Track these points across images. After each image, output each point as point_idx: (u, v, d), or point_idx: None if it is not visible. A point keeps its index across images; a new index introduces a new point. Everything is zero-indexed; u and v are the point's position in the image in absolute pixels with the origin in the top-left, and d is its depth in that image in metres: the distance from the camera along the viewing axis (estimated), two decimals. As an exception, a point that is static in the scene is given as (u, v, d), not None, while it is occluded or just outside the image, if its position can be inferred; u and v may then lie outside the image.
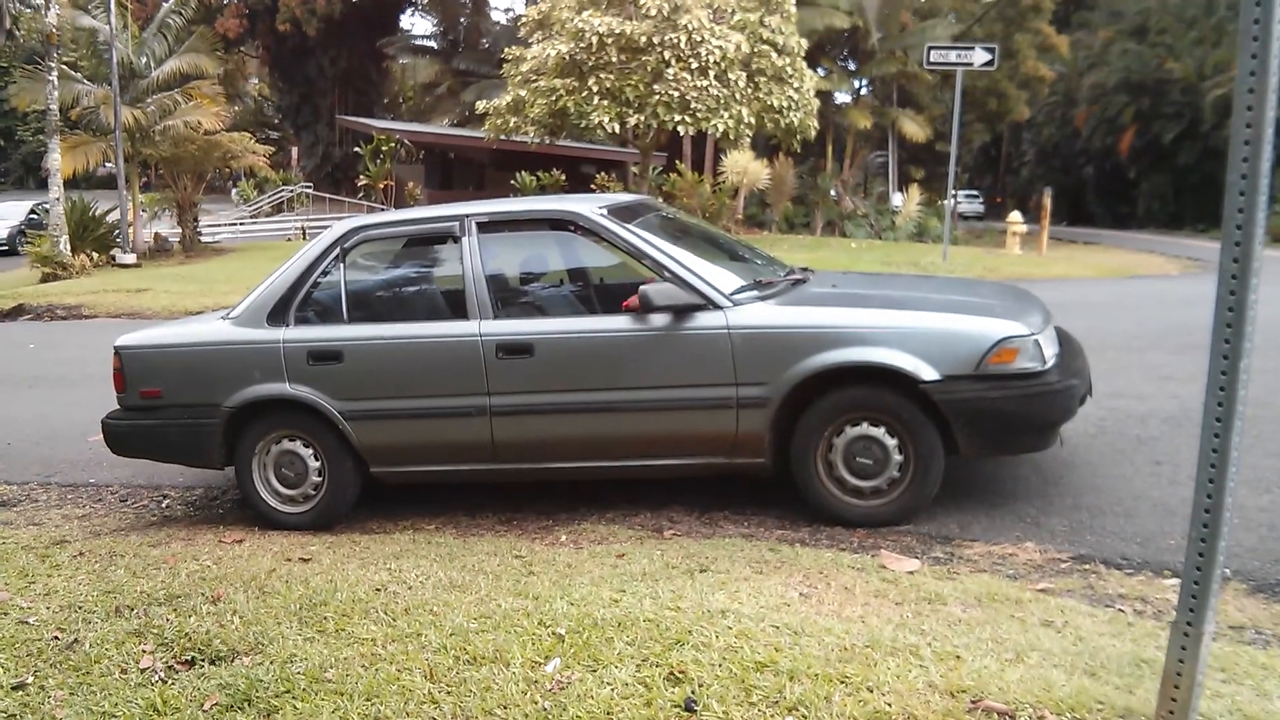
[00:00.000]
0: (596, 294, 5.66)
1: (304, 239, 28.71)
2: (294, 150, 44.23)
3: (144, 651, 3.65)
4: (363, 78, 44.14)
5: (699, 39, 18.40)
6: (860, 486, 4.76)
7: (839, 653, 3.14)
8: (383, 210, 30.40)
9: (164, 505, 6.18)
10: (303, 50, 42.12)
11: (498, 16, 48.32)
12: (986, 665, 3.04)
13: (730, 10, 19.72)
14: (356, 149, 30.51)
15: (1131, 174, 45.18)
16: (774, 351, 4.71)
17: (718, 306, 4.80)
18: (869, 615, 3.53)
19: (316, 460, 5.42)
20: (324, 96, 43.40)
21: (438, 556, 4.62)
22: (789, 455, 4.83)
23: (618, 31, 18.25)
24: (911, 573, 4.06)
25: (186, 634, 3.74)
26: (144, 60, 23.87)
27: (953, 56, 16.06)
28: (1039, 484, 5.23)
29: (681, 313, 4.80)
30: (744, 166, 25.58)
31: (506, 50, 21.79)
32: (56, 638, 3.79)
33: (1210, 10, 42.33)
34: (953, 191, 17.71)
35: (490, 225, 5.32)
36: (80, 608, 4.12)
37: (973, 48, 16.20)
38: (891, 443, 4.67)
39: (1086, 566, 4.18)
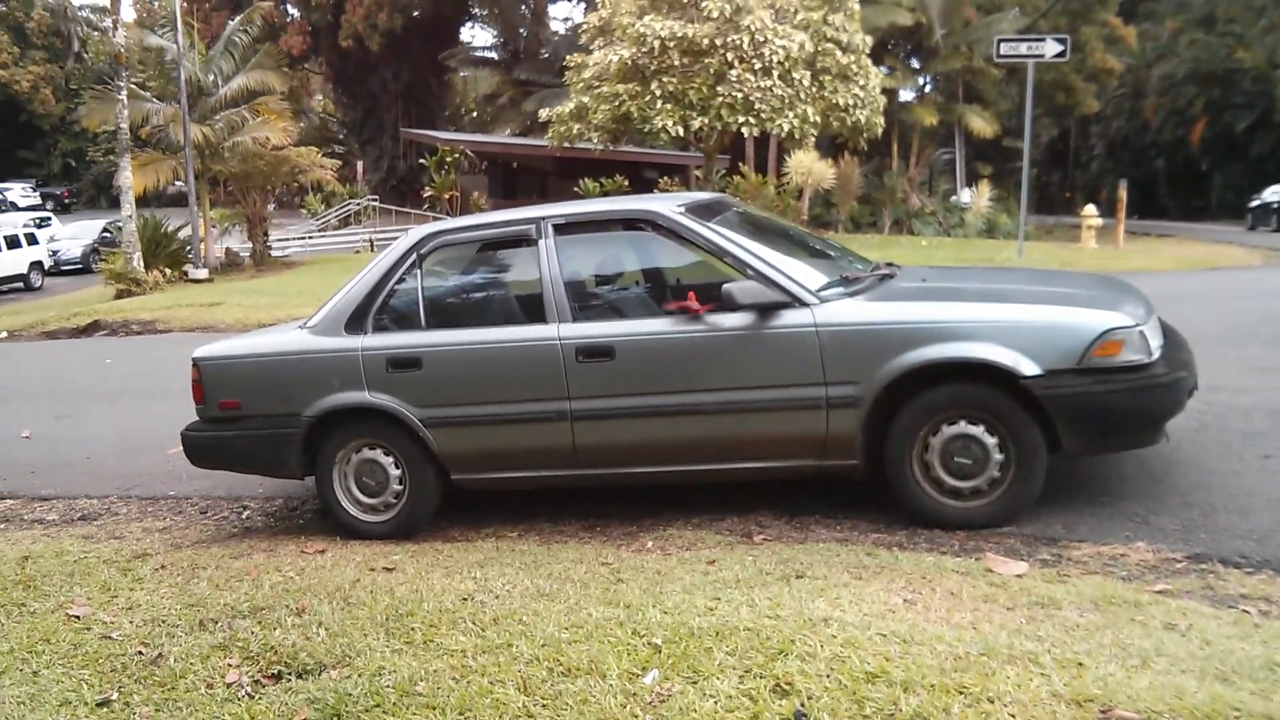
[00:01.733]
0: (677, 294, 5.52)
1: (372, 250, 28.97)
2: (359, 164, 44.67)
3: (229, 665, 3.58)
4: (425, 91, 44.49)
5: (762, 39, 18.22)
6: (959, 487, 4.57)
7: (953, 662, 2.98)
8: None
9: (244, 516, 6.17)
10: (365, 65, 42.54)
11: (557, 26, 48.53)
12: (1112, 672, 2.86)
13: (793, 10, 19.50)
14: (422, 160, 30.67)
15: (1204, 165, 44.17)
16: (864, 349, 4.54)
17: (804, 304, 4.64)
18: (980, 621, 3.36)
19: (397, 468, 5.35)
20: (387, 111, 43.79)
21: (523, 564, 4.52)
22: (883, 456, 4.65)
23: (680, 35, 18.14)
24: (1020, 576, 3.88)
25: (272, 647, 3.67)
26: (211, 78, 24.22)
27: (1023, 49, 15.73)
28: (1144, 481, 5.01)
29: (767, 311, 4.66)
30: (808, 167, 25.30)
31: (568, 58, 21.76)
32: (140, 652, 3.75)
33: (1283, -4, 41.35)
34: (1026, 187, 17.32)
35: (567, 227, 5.22)
36: (164, 622, 4.07)
37: (1044, 39, 15.87)
38: (991, 441, 4.48)
39: (1203, 566, 3.97)
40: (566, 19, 50.18)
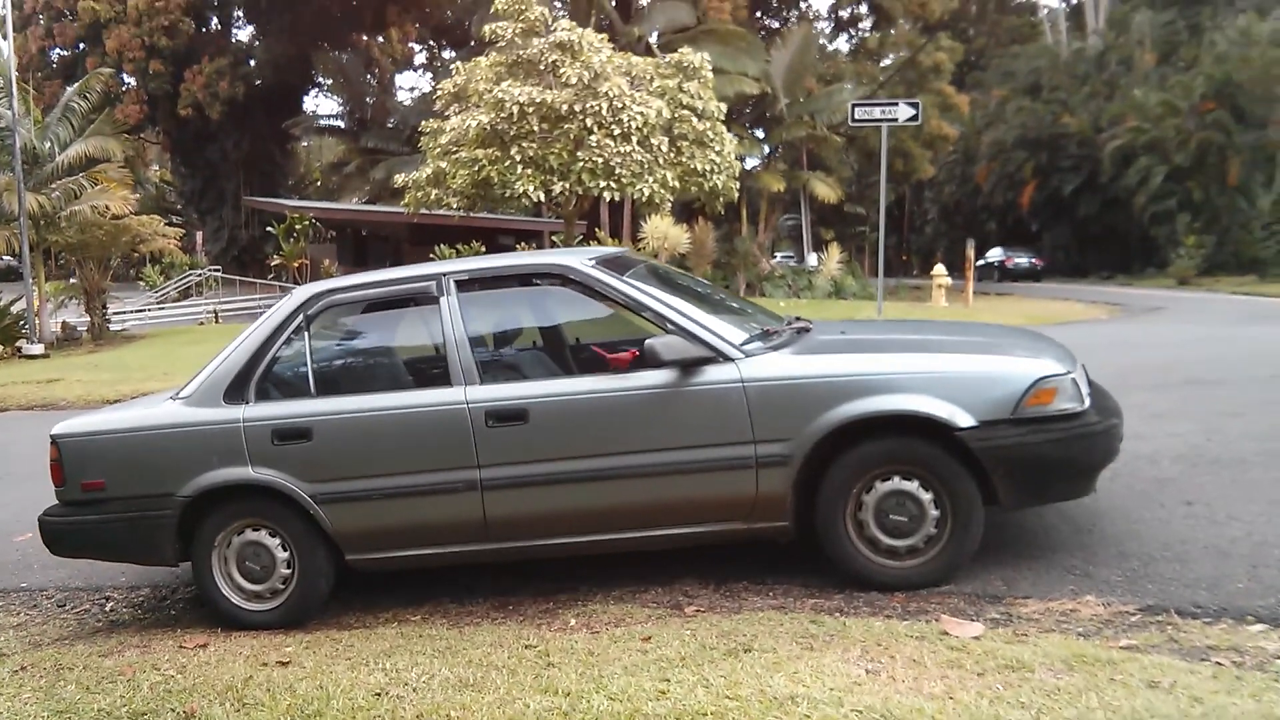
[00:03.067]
0: (594, 352, 5.25)
1: (217, 322, 27.87)
2: (198, 235, 43.22)
3: (114, 783, 3.13)
4: (267, 159, 43.42)
5: (620, 105, 18.23)
6: (895, 546, 4.38)
7: (943, 737, 2.76)
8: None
9: (108, 609, 5.57)
10: (205, 134, 41.34)
11: (403, 95, 48.18)
12: (1114, 740, 2.68)
13: (649, 77, 19.63)
14: (269, 228, 29.75)
15: (1034, 227, 46.17)
16: (794, 404, 4.34)
17: (728, 359, 4.43)
18: (954, 690, 3.15)
19: (285, 550, 4.88)
20: (228, 180, 42.58)
21: (435, 651, 4.13)
22: (814, 516, 4.44)
23: (539, 100, 18.01)
24: (977, 638, 3.70)
25: (161, 759, 3.22)
26: (48, 145, 22.98)
27: (877, 113, 16.14)
28: (1071, 532, 4.93)
29: (689, 367, 4.42)
30: (664, 232, 25.43)
31: (424, 123, 21.38)
32: (5, 771, 3.25)
33: (1102, 65, 43.78)
34: (882, 248, 17.71)
35: (470, 283, 4.91)
36: (30, 733, 3.57)
37: (897, 104, 16.32)
38: (926, 497, 4.32)
39: (1159, 618, 3.85)
40: (413, 88, 49.72)
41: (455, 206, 19.98)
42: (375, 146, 39.53)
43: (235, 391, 4.88)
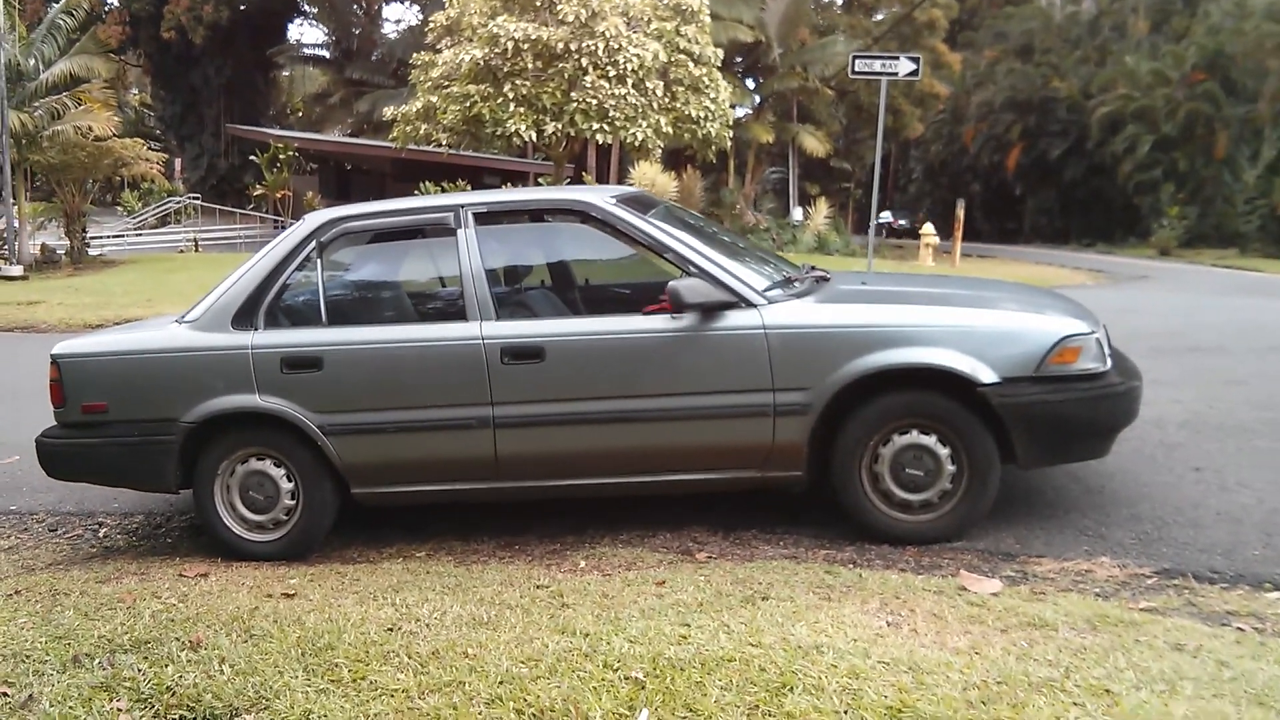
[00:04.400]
0: (612, 292, 5.17)
1: (197, 250, 27.52)
2: (177, 162, 42.56)
3: (118, 710, 3.07)
4: (250, 88, 42.62)
5: (616, 46, 18.01)
6: (909, 500, 4.36)
7: (975, 692, 2.74)
8: (280, 221, 29.41)
9: (101, 535, 5.49)
10: (187, 59, 40.50)
11: (389, 29, 47.37)
12: (1145, 700, 2.68)
13: (646, 19, 19.37)
14: (253, 156, 29.26)
15: (1018, 190, 46.15)
16: (816, 353, 4.29)
17: (751, 304, 4.36)
18: (979, 645, 3.13)
19: (289, 481, 4.82)
20: (209, 106, 41.80)
21: (444, 588, 4.07)
22: (829, 468, 4.40)
23: (534, 37, 17.75)
24: (995, 594, 3.68)
25: (168, 687, 3.16)
26: (32, 62, 22.45)
27: (878, 66, 15.95)
28: (1082, 493, 4.92)
29: (711, 311, 4.35)
30: (652, 179, 25.20)
31: (415, 55, 21.08)
32: (5, 695, 3.18)
33: (1095, 31, 43.58)
34: (875, 203, 17.62)
35: (489, 216, 4.82)
36: (28, 657, 3.48)
37: (898, 57, 16.14)
38: (944, 452, 4.29)
39: (1176, 582, 3.85)
40: (399, 20, 48.95)
41: (444, 142, 19.72)
42: (360, 78, 38.95)
43: (244, 317, 4.78)
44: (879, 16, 46.18)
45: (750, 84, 37.48)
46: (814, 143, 35.45)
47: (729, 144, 21.48)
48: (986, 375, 4.16)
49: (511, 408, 4.52)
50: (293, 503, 4.84)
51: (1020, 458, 4.29)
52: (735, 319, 4.35)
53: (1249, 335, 10.12)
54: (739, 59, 36.91)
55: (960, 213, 21.05)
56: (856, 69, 15.88)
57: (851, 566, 4.12)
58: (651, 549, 4.56)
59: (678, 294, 4.28)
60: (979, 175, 48.69)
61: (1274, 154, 30.25)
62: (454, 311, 4.70)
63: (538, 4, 18.82)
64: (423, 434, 4.62)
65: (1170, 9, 40.49)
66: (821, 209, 30.89)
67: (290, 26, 46.69)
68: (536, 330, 4.57)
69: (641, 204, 4.88)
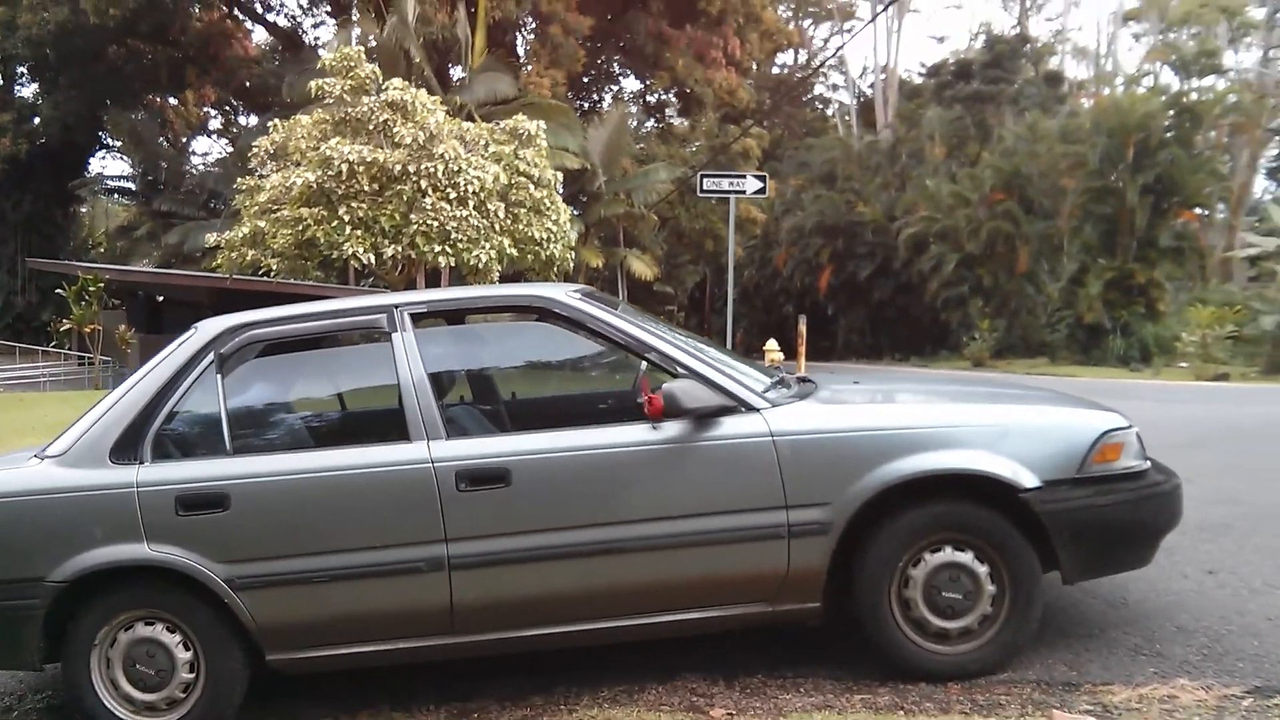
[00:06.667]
0: (585, 401, 4.53)
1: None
2: (-35, 300, 39.82)
3: None
4: (49, 222, 40.37)
5: (456, 169, 17.55)
6: (946, 629, 3.81)
7: None
8: (85, 360, 27.41)
9: (-67, 727, 4.42)
10: (-16, 194, 38.44)
11: (197, 160, 45.82)
12: None
13: (483, 143, 19.02)
14: (59, 290, 27.33)
15: (830, 310, 47.45)
16: (835, 462, 3.75)
17: (753, 409, 3.81)
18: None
19: (187, 650, 3.94)
20: (5, 243, 39.40)
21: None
22: (853, 595, 3.82)
23: (369, 159, 17.12)
24: (1092, 732, 3.14)
25: None
26: None
27: (725, 184, 15.98)
28: (1107, 607, 4.51)
29: (705, 419, 3.77)
30: (489, 304, 24.59)
31: (239, 180, 20.12)
32: None
33: (893, 158, 45.67)
34: (731, 317, 17.49)
35: (429, 316, 4.15)
36: None
37: (745, 176, 16.24)
38: (983, 570, 3.78)
39: (1276, 701, 3.39)
40: (206, 153, 47.37)
41: (275, 268, 18.69)
42: (169, 210, 37.29)
43: (125, 448, 3.93)
44: (693, 147, 47.43)
45: (575, 211, 37.67)
46: (641, 266, 35.73)
47: (571, 266, 21.12)
48: (1028, 479, 3.71)
49: (470, 544, 3.80)
50: (191, 676, 3.96)
51: (1065, 571, 3.84)
52: (735, 426, 3.78)
53: (1155, 434, 10.10)
54: (564, 187, 37.05)
55: (803, 328, 21.14)
56: (705, 187, 15.92)
57: (902, 713, 3.52)
58: (649, 707, 3.85)
59: (674, 398, 3.69)
60: (792, 297, 49.88)
61: (1075, 267, 31.81)
62: (393, 431, 3.96)
63: (371, 127, 18.25)
64: (359, 583, 3.84)
65: (965, 135, 42.80)
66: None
67: (92, 159, 44.84)
68: (499, 448, 3.89)
69: (603, 300, 4.30)
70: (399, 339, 4.02)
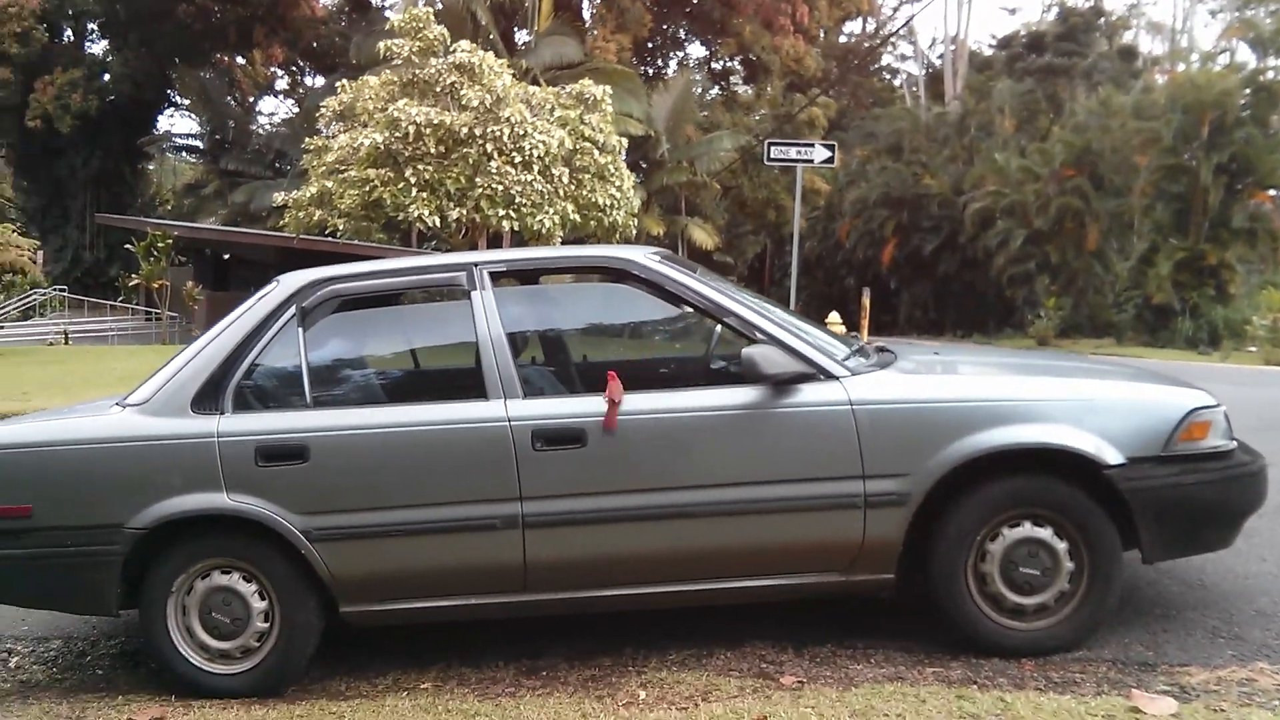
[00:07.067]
0: (663, 363, 4.50)
1: (67, 343, 25.84)
2: (39, 254, 40.57)
3: None
4: (117, 179, 41.00)
5: (522, 133, 17.49)
6: (1023, 605, 3.75)
7: None
8: (153, 313, 27.88)
9: (13, 665, 4.52)
10: (53, 149, 38.86)
11: (263, 120, 46.24)
12: None
13: (550, 107, 18.95)
14: (128, 246, 27.77)
15: (893, 284, 46.95)
16: (914, 433, 3.69)
17: (832, 376, 3.75)
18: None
19: (263, 600, 3.97)
20: (74, 198, 40.05)
21: (482, 733, 3.29)
22: (928, 568, 3.77)
23: (436, 122, 17.11)
24: (1175, 716, 3.07)
25: None
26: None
27: (793, 153, 15.82)
28: (1185, 589, 4.42)
29: (784, 385, 3.72)
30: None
31: (307, 140, 20.19)
32: None
33: (962, 130, 44.98)
34: (794, 286, 17.37)
35: (509, 275, 4.14)
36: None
37: (813, 144, 16.05)
38: (1061, 547, 3.71)
39: (1362, 690, 3.30)
40: (272, 113, 47.76)
41: (341, 229, 18.83)
42: (236, 169, 37.69)
43: (206, 398, 3.95)
44: (757, 115, 47.07)
45: (639, 177, 37.62)
46: (702, 235, 35.61)
47: (634, 232, 21.07)
48: (1112, 456, 3.62)
49: (545, 503, 3.79)
50: (266, 625, 3.98)
51: (1146, 550, 3.75)
52: (815, 393, 3.73)
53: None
54: (627, 154, 36.98)
55: (866, 301, 20.97)
56: (772, 156, 15.75)
57: (976, 687, 3.47)
58: (718, 672, 3.82)
59: (754, 363, 3.65)
60: (854, 269, 49.40)
61: (1146, 247, 31.20)
62: (470, 389, 3.96)
63: (438, 90, 18.25)
64: (434, 538, 3.84)
65: (1035, 108, 42.06)
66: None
67: (160, 117, 45.42)
68: (575, 409, 3.86)
69: (682, 263, 4.26)
70: (479, 297, 4.00)
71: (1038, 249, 36.29)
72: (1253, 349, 23.70)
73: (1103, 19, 46.52)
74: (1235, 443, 3.90)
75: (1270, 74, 31.99)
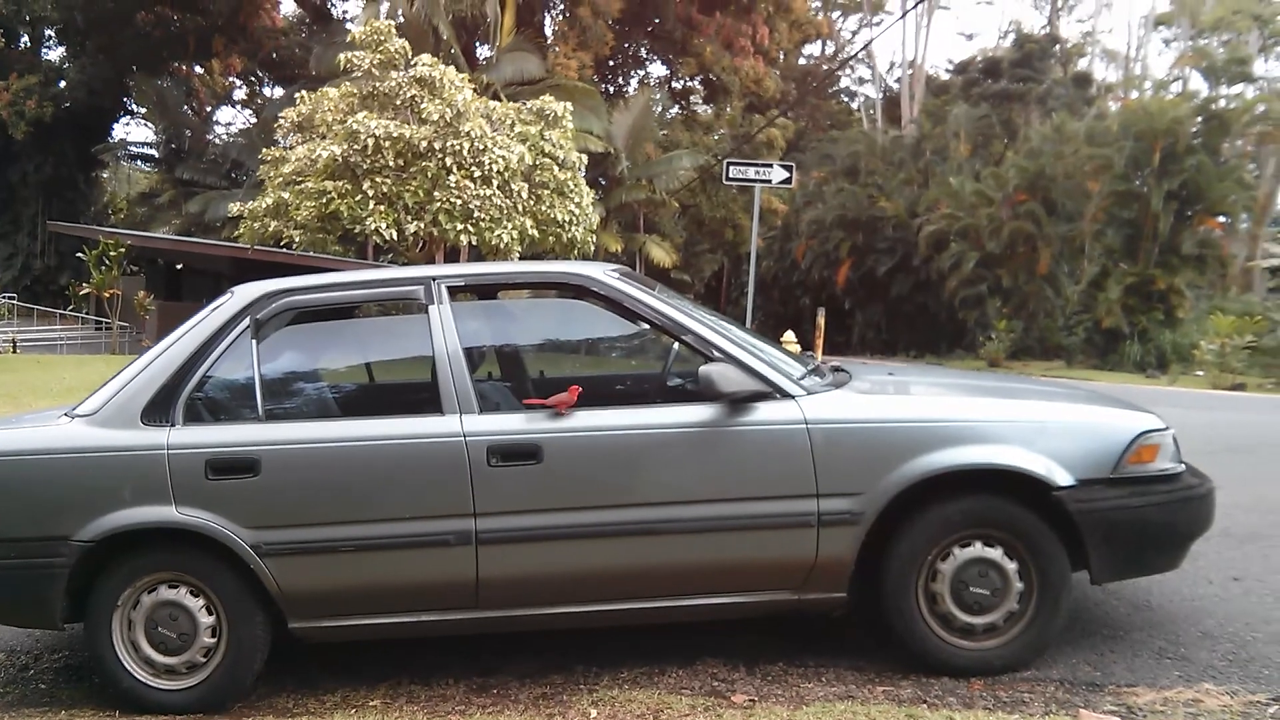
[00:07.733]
0: (619, 381, 4.51)
1: (14, 351, 25.41)
2: (-15, 261, 39.98)
3: None
4: (70, 186, 40.48)
5: (482, 147, 17.50)
6: (972, 624, 3.80)
7: None
8: (102, 324, 27.50)
9: (-49, 683, 4.43)
10: (6, 155, 38.35)
11: (220, 130, 45.84)
12: None
13: (510, 122, 18.97)
14: (79, 254, 27.42)
15: (847, 304, 47.27)
16: (868, 452, 3.73)
17: (788, 395, 3.78)
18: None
19: (210, 615, 3.94)
20: (26, 205, 39.48)
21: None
22: (880, 587, 3.80)
23: (395, 135, 17.08)
24: (1122, 738, 3.12)
25: None
26: None
27: (751, 173, 15.90)
28: (1131, 610, 4.48)
29: (739, 403, 3.75)
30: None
31: (265, 151, 20.08)
32: None
33: (917, 154, 45.45)
34: (751, 305, 17.43)
35: (467, 290, 4.13)
36: None
37: (771, 165, 16.14)
38: (1011, 566, 3.76)
39: (1303, 712, 3.36)
40: (230, 123, 47.34)
41: (297, 240, 18.70)
42: (191, 179, 37.33)
43: (157, 410, 3.92)
44: (717, 135, 47.34)
45: (596, 195, 37.67)
46: (660, 253, 35.74)
47: (592, 249, 21.09)
48: (1062, 477, 3.68)
49: (499, 519, 3.79)
50: (213, 641, 3.96)
51: (1094, 571, 3.82)
52: (770, 412, 3.76)
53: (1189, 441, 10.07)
54: (586, 170, 37.05)
55: (821, 321, 21.10)
56: (731, 175, 15.81)
57: (926, 706, 3.50)
58: (670, 690, 3.84)
59: (711, 381, 3.68)
60: (810, 289, 49.68)
61: (1096, 271, 31.65)
62: (426, 403, 3.96)
63: (398, 102, 18.23)
64: (386, 553, 3.83)
65: (990, 133, 42.58)
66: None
67: (116, 125, 44.90)
68: (531, 425, 3.86)
69: (640, 281, 4.28)
70: (436, 311, 4.00)
71: (990, 272, 36.69)
72: (1200, 373, 24.09)
73: (1058, 46, 47.30)
74: (1183, 465, 3.97)
75: (1222, 102, 32.66)
